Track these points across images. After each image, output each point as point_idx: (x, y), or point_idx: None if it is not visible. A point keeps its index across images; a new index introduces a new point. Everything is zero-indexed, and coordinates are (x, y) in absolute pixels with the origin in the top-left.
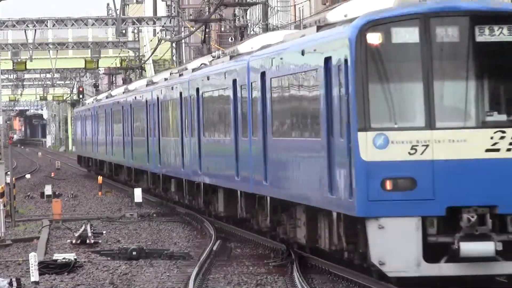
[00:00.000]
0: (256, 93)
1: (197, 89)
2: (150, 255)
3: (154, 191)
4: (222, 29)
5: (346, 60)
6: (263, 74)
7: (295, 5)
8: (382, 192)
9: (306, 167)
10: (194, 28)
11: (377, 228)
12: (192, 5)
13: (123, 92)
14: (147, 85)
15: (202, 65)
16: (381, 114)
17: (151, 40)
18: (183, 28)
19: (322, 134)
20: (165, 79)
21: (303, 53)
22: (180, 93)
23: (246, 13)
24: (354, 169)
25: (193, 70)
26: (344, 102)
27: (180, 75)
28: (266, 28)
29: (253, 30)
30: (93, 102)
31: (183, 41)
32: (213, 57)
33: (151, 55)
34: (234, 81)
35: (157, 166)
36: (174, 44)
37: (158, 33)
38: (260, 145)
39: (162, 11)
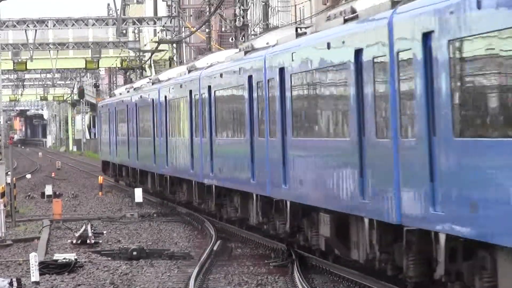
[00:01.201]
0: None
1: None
2: (150, 255)
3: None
4: (223, 29)
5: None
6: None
7: (295, 5)
8: None
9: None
10: (195, 28)
11: None
12: (192, 5)
13: (189, 72)
14: (244, 53)
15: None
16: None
17: (151, 40)
18: (183, 28)
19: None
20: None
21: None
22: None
23: (247, 13)
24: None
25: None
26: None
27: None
28: (267, 28)
29: (253, 30)
30: (127, 92)
31: (183, 41)
32: None
33: (151, 55)
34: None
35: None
36: (174, 44)
37: (158, 33)
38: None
39: (162, 11)
